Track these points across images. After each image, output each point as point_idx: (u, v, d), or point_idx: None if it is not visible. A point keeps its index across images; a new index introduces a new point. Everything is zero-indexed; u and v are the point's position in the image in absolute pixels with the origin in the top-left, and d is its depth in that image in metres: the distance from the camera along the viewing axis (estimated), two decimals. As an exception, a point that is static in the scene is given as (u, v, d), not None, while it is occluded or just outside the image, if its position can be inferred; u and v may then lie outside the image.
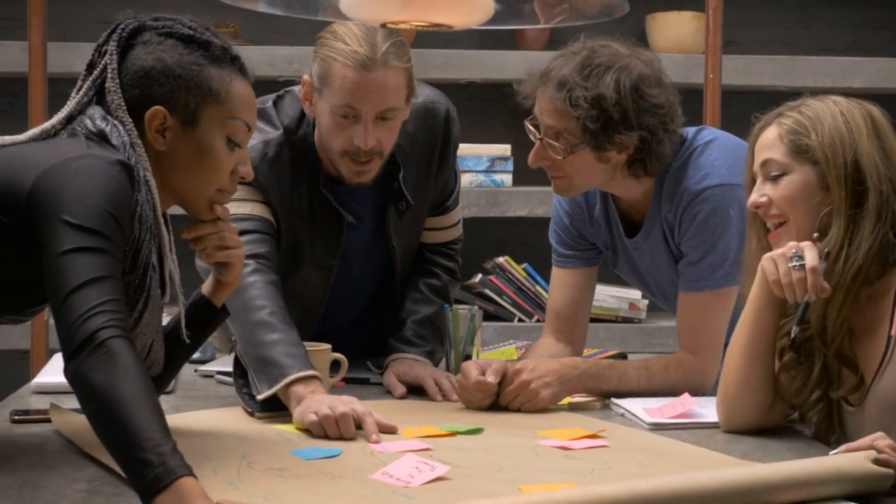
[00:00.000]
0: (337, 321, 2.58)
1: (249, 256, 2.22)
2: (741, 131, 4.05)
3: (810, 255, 1.89)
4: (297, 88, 2.45)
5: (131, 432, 1.47)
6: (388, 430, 1.96)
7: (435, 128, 2.51)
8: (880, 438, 1.67)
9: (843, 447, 1.69)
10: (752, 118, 2.10)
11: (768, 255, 1.94)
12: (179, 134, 1.84)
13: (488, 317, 3.92)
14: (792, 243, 1.92)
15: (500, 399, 2.21)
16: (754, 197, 2.01)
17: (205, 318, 1.99)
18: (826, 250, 1.91)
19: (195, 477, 1.44)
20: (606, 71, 2.25)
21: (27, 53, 3.69)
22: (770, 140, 2.01)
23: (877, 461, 1.63)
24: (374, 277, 2.60)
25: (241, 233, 2.20)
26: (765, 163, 2.00)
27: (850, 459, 1.63)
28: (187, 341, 1.94)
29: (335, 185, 2.44)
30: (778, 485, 1.56)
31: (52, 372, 2.34)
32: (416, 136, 2.48)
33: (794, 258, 1.89)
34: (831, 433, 1.96)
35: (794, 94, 2.13)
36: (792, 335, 1.94)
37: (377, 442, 1.90)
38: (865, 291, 1.92)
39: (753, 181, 2.04)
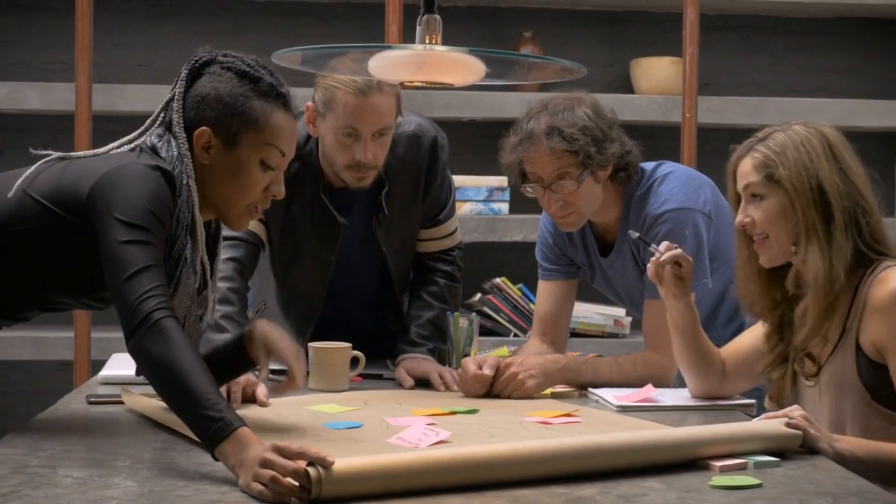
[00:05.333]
0: (354, 324, 2.93)
1: (227, 259, 2.61)
2: (716, 165, 4.37)
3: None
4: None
5: (192, 394, 1.74)
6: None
7: (421, 153, 2.84)
8: (794, 410, 2.03)
9: (763, 416, 2.05)
10: (729, 149, 2.34)
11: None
12: (221, 152, 2.09)
13: (487, 332, 4.15)
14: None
15: (493, 389, 2.53)
16: (740, 217, 2.29)
17: (237, 359, 2.24)
18: None
19: (248, 427, 1.71)
20: (570, 108, 2.63)
21: (73, 94, 3.97)
22: (747, 170, 2.26)
23: (788, 425, 1.98)
24: (373, 278, 2.93)
25: (228, 238, 2.60)
26: (746, 187, 2.27)
27: (767, 423, 1.99)
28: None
29: (333, 193, 2.80)
30: (708, 440, 1.89)
31: (114, 367, 2.71)
32: (405, 159, 2.82)
33: None
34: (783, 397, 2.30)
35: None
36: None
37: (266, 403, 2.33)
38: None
39: (738, 200, 2.32)
